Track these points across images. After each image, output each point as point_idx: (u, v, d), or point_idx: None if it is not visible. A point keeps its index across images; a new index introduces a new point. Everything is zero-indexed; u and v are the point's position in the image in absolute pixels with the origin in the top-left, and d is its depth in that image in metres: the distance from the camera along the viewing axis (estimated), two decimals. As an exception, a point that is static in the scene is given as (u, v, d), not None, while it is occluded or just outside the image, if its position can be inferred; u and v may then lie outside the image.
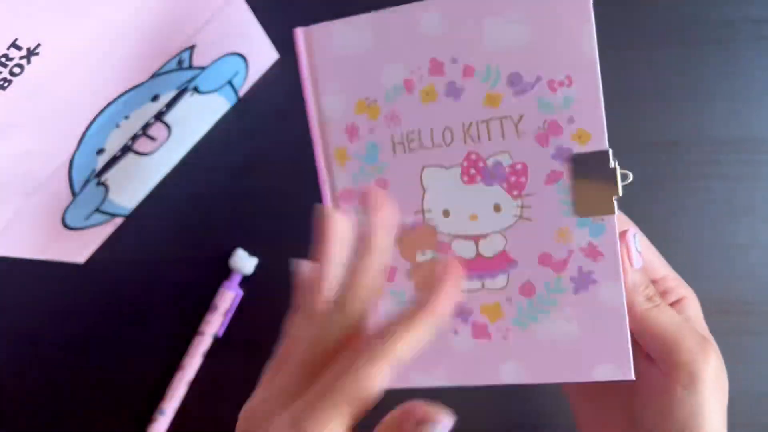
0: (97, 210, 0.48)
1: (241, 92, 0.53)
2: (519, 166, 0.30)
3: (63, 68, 0.33)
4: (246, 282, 0.51)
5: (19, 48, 0.30)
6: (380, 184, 0.31)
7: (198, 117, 0.50)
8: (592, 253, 0.30)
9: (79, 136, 0.39)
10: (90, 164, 0.43)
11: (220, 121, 0.53)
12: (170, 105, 0.45)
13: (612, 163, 0.29)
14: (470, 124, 0.30)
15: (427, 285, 0.26)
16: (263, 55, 0.51)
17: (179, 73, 0.43)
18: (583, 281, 0.30)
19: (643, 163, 0.51)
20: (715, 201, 0.51)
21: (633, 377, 0.30)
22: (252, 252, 0.51)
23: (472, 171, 0.30)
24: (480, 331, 0.32)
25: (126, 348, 0.51)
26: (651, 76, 0.52)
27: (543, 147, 0.29)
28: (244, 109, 0.53)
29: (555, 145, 0.29)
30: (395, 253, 0.32)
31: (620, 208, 0.36)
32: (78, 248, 0.51)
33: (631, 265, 0.31)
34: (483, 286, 0.31)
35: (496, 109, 0.29)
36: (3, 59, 0.30)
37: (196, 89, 0.47)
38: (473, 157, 0.30)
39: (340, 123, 0.32)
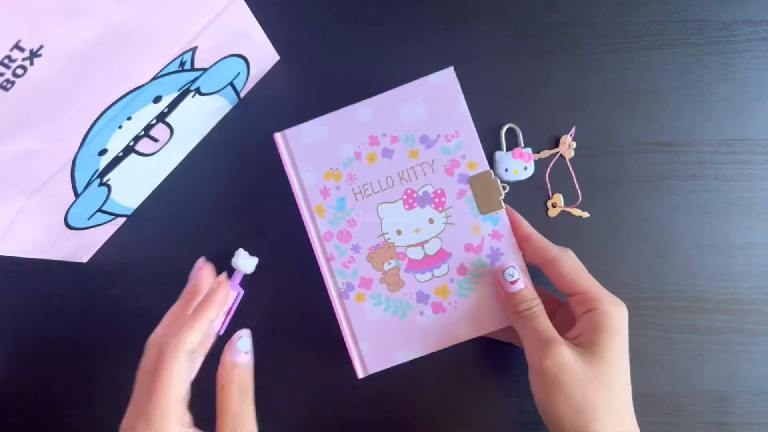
0: (100, 210, 0.49)
1: (243, 93, 0.53)
2: (439, 191, 0.46)
3: (65, 70, 0.33)
4: (247, 281, 0.51)
5: (22, 50, 0.30)
6: (351, 223, 0.46)
7: (200, 118, 0.51)
8: (496, 236, 0.46)
9: (81, 137, 0.39)
10: (92, 164, 0.43)
11: (222, 122, 0.53)
12: (172, 106, 0.46)
13: (493, 177, 0.45)
14: (403, 171, 0.46)
15: (206, 296, 0.43)
16: (264, 56, 0.52)
17: (181, 74, 0.43)
18: (495, 255, 0.46)
19: (640, 163, 0.52)
20: (712, 201, 0.51)
21: None
22: (253, 251, 0.51)
23: (410, 200, 0.46)
24: (438, 308, 0.46)
25: (128, 347, 0.52)
26: (648, 77, 0.52)
27: (450, 176, 0.46)
28: (245, 110, 0.53)
29: (457, 173, 0.46)
30: (369, 268, 0.46)
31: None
32: (80, 248, 0.51)
33: (505, 291, 0.44)
34: (432, 275, 0.46)
35: (417, 159, 0.46)
36: (6, 61, 0.30)
37: (198, 90, 0.47)
38: (409, 191, 0.46)
39: (315, 188, 0.47)
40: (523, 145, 0.52)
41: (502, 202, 0.45)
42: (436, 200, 0.46)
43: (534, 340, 0.42)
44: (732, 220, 0.51)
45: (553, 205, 0.51)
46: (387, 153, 0.46)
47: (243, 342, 0.43)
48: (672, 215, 0.52)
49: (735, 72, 0.52)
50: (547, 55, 0.53)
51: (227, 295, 0.44)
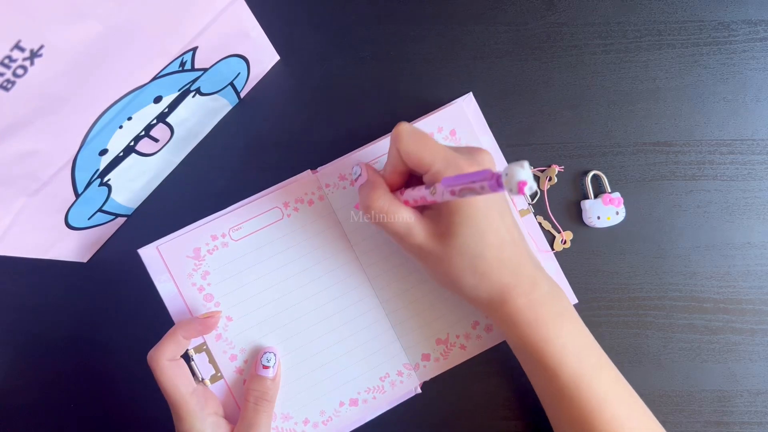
0: (100, 210, 0.49)
1: (243, 93, 0.53)
2: None
3: (66, 70, 0.33)
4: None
5: (22, 50, 0.30)
6: None
7: (200, 118, 0.51)
8: None
9: (82, 137, 0.39)
10: (93, 165, 0.43)
11: (222, 122, 0.53)
12: (172, 106, 0.46)
13: None
14: None
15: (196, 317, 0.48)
16: (264, 56, 0.52)
17: (181, 74, 0.43)
18: None
19: (639, 163, 0.52)
20: (711, 201, 0.52)
21: None
22: (253, 252, 0.51)
23: None
24: None
25: (129, 347, 0.52)
26: (647, 77, 0.52)
27: None
28: (245, 110, 0.54)
29: None
30: None
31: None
32: (81, 248, 0.51)
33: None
34: None
35: None
36: (6, 61, 0.30)
37: (198, 91, 0.47)
38: None
39: None
40: (609, 190, 0.52)
41: None
42: None
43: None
44: (731, 219, 0.51)
45: (563, 241, 0.52)
46: None
47: (267, 357, 0.47)
48: (671, 215, 0.52)
49: (734, 72, 0.52)
50: (547, 55, 0.53)
51: (215, 322, 0.48)
